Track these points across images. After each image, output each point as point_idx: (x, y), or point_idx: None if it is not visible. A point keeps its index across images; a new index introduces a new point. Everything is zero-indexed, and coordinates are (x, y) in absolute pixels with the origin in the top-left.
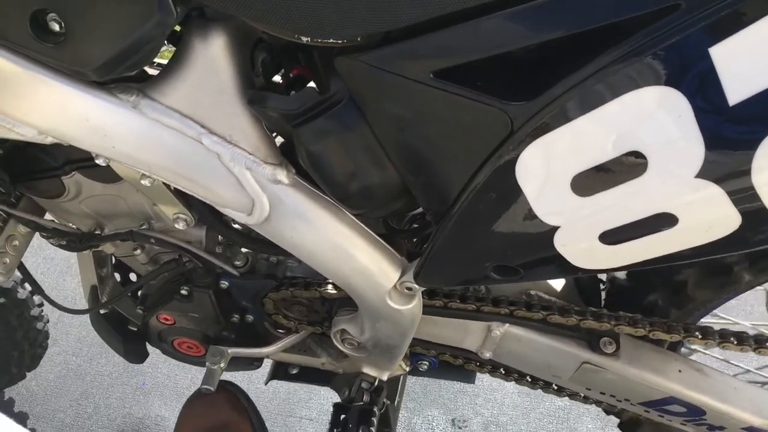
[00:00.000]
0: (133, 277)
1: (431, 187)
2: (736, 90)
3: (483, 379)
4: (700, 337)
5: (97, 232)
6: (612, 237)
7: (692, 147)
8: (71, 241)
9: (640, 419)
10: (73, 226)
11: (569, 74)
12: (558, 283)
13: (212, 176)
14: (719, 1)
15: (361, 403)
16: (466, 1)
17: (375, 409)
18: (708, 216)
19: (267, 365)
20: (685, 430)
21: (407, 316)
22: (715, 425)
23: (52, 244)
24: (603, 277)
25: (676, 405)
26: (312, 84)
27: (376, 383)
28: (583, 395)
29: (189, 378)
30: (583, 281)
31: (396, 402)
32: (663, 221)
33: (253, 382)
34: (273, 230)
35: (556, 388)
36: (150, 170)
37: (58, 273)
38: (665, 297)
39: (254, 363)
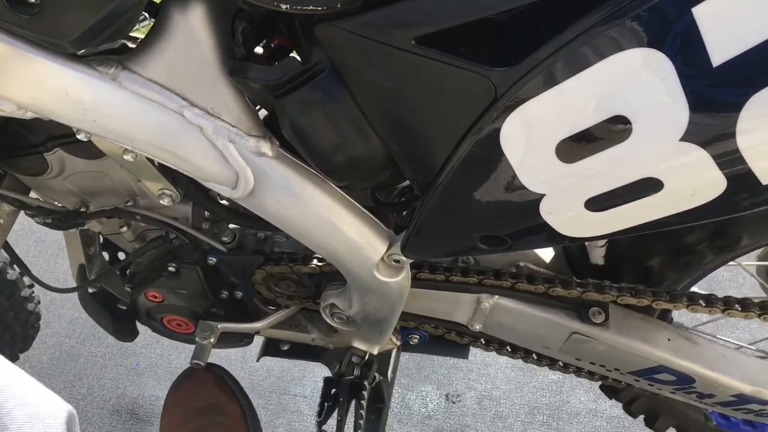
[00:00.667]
0: (121, 255)
1: (416, 157)
2: (720, 51)
3: (476, 354)
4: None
5: (82, 210)
6: (598, 204)
7: (677, 110)
8: (56, 219)
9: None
10: (58, 204)
11: (552, 38)
12: (547, 255)
13: (195, 149)
14: None
15: (352, 377)
16: None
17: (366, 382)
18: (693, 180)
19: (258, 343)
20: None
21: (395, 288)
22: (705, 393)
23: (38, 222)
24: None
25: (666, 373)
26: (294, 54)
27: (367, 357)
28: (574, 367)
29: (183, 358)
30: (572, 251)
31: (389, 377)
32: (648, 186)
33: (246, 361)
34: (258, 204)
35: (548, 361)
36: (132, 144)
37: (50, 255)
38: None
39: (244, 339)
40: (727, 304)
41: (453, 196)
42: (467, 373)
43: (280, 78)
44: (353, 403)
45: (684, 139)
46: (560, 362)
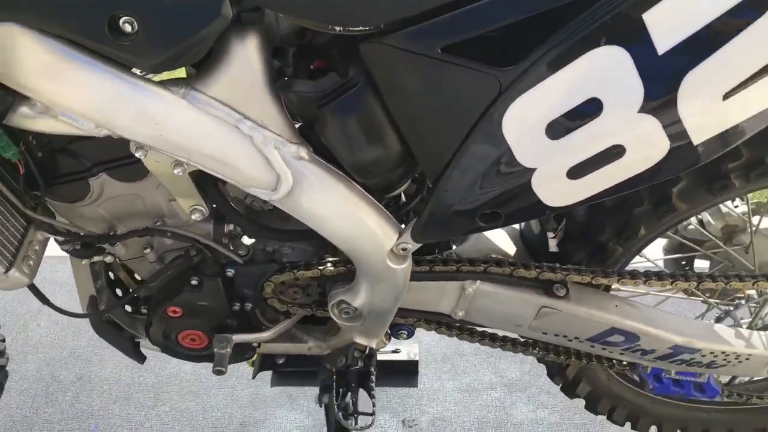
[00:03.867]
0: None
1: (433, 149)
2: (662, 43)
3: (424, 381)
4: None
5: (112, 233)
6: (577, 172)
7: (634, 89)
8: (85, 243)
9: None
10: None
11: (543, 43)
12: (511, 249)
13: (244, 158)
14: None
15: (358, 366)
16: None
17: (372, 368)
18: (647, 144)
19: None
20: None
21: (401, 275)
22: (648, 349)
23: (64, 249)
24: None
25: (617, 335)
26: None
27: (367, 351)
28: (542, 344)
29: (142, 415)
30: (532, 245)
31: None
32: (615, 153)
33: (207, 411)
34: (294, 203)
35: (521, 347)
36: (189, 156)
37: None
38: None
39: (248, 353)
40: (647, 276)
41: (462, 180)
42: (419, 399)
43: (323, 90)
44: (362, 388)
45: (641, 110)
46: (532, 346)
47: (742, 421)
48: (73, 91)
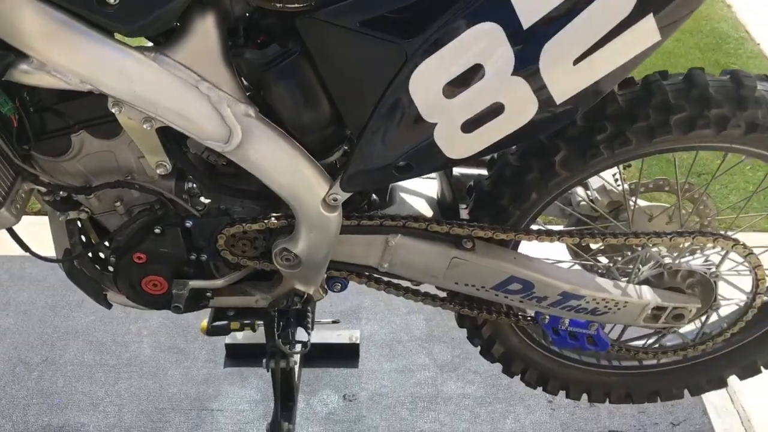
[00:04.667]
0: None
1: (355, 108)
2: (527, 19)
3: (364, 363)
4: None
5: (88, 186)
6: (469, 126)
7: (507, 56)
8: (65, 195)
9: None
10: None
11: (438, 19)
12: (429, 214)
13: (202, 113)
14: None
15: (297, 307)
16: None
17: (308, 308)
18: (519, 102)
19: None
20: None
21: (333, 223)
22: (541, 296)
23: (46, 200)
24: None
25: (515, 283)
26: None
27: (305, 297)
28: (459, 299)
29: (104, 391)
30: (446, 210)
31: (297, 384)
32: (496, 110)
33: (164, 388)
34: (242, 154)
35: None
36: (156, 111)
37: None
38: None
39: (202, 302)
40: (539, 233)
41: (379, 134)
42: (359, 378)
43: (268, 57)
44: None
45: (513, 74)
46: (449, 301)
47: (638, 384)
48: (65, 51)
